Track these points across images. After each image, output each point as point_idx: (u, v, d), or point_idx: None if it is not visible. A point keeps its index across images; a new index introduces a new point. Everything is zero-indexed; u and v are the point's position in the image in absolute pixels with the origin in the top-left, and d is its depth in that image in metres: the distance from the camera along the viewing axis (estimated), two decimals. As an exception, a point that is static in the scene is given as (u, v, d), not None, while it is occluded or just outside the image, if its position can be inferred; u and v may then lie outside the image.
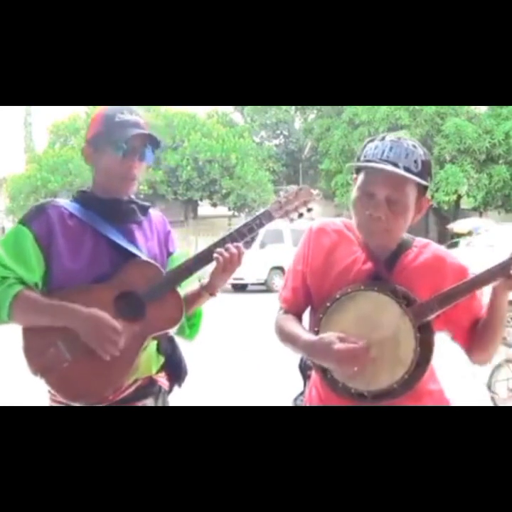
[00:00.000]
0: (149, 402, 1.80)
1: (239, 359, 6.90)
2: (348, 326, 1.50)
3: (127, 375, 1.72)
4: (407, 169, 1.48)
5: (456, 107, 18.77)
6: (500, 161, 18.89)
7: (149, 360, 1.80)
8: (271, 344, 1.73)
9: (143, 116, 1.81)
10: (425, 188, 1.55)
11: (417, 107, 18.58)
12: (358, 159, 1.56)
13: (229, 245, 1.75)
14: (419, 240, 1.65)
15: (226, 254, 1.73)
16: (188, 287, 1.84)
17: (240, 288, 16.05)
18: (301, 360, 1.73)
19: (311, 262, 1.64)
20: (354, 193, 1.56)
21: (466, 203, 21.90)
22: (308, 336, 1.56)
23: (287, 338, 1.62)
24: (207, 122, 23.46)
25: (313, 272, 1.64)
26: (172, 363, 1.87)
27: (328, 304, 1.54)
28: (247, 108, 26.24)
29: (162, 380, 1.86)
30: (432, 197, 18.81)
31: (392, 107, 18.58)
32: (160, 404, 1.83)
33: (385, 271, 1.58)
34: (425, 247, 1.62)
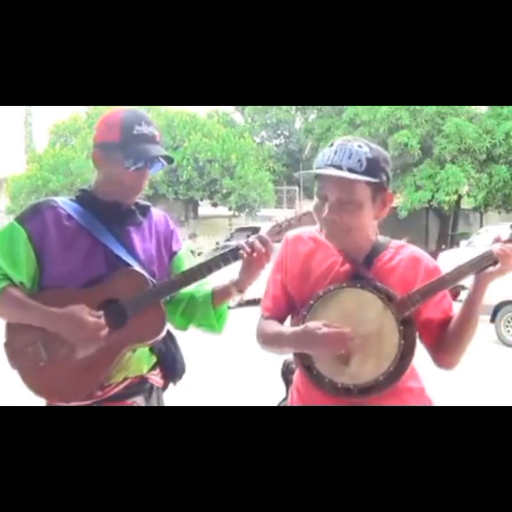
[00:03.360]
0: (139, 400, 1.81)
1: (230, 363, 6.90)
2: (333, 322, 1.54)
3: (99, 380, 1.73)
4: (350, 169, 1.52)
5: (457, 107, 18.73)
6: (501, 161, 18.85)
7: (140, 359, 1.80)
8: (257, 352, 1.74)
9: (156, 125, 1.80)
10: (381, 184, 1.57)
11: (417, 107, 18.55)
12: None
13: (254, 242, 1.76)
14: (396, 242, 1.69)
15: (248, 250, 1.74)
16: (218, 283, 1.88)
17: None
18: (284, 365, 1.76)
19: (290, 270, 1.68)
20: (314, 199, 1.61)
21: (466, 203, 21.89)
22: (292, 329, 1.61)
23: (271, 338, 1.65)
24: (207, 122, 23.42)
25: (293, 279, 1.67)
26: (166, 360, 1.87)
27: (311, 302, 1.58)
28: (248, 108, 26.21)
29: (155, 377, 1.86)
30: (433, 197, 18.79)
31: (393, 107, 18.54)
32: (153, 401, 1.85)
33: (363, 270, 1.62)
34: (401, 248, 1.67)
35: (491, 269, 1.55)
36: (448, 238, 21.21)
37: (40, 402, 1.77)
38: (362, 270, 1.62)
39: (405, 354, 1.54)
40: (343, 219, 1.55)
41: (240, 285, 1.82)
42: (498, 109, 18.68)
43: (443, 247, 19.50)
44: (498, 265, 1.54)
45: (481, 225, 21.17)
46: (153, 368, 1.85)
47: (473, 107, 18.91)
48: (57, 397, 1.72)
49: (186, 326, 1.92)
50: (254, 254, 1.73)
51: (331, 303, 1.57)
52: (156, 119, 20.15)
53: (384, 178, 1.58)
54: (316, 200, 1.60)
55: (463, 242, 14.75)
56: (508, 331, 8.17)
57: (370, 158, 1.54)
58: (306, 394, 1.62)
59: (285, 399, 1.76)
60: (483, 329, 8.48)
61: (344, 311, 1.55)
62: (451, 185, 18.48)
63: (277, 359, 1.74)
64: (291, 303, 1.68)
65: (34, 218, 1.74)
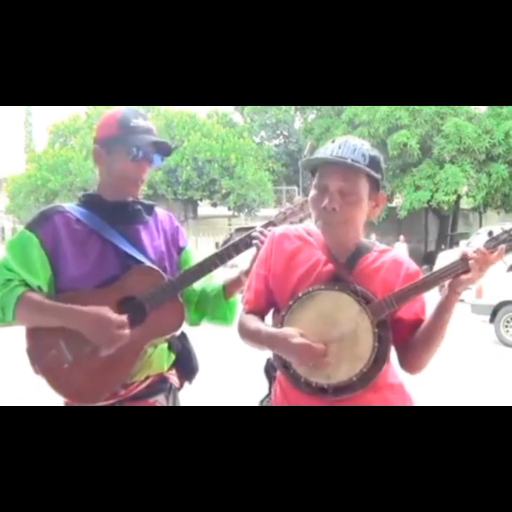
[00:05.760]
0: (161, 398, 1.84)
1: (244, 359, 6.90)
2: (310, 323, 1.56)
3: (124, 378, 1.75)
4: (354, 161, 1.56)
5: (456, 107, 18.75)
6: (500, 161, 18.86)
7: (161, 357, 1.84)
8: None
9: (151, 122, 1.86)
10: (378, 183, 1.62)
11: (417, 107, 18.57)
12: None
13: (264, 230, 1.82)
14: (379, 245, 1.72)
15: (263, 238, 1.79)
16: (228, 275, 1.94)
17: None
18: (267, 362, 1.77)
19: (274, 266, 1.70)
20: (311, 191, 1.64)
21: (465, 203, 21.90)
22: (270, 329, 1.63)
23: (250, 333, 1.67)
24: (207, 122, 23.46)
25: (276, 276, 1.69)
26: (182, 359, 1.90)
27: (290, 303, 1.60)
28: (247, 108, 26.23)
29: (173, 377, 1.89)
30: (432, 197, 18.80)
31: (392, 107, 18.57)
32: (171, 401, 1.87)
33: (345, 272, 1.63)
34: (384, 252, 1.70)
35: (462, 276, 1.54)
36: (447, 238, 21.24)
37: (57, 401, 1.78)
38: (343, 272, 1.63)
39: (380, 356, 1.56)
40: (342, 209, 1.57)
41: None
42: (497, 109, 18.71)
43: (442, 247, 19.53)
44: (470, 274, 1.53)
45: (481, 225, 21.18)
46: (171, 367, 1.88)
47: (473, 107, 18.93)
48: (84, 398, 1.73)
49: (199, 322, 1.97)
50: (264, 240, 1.78)
51: (309, 304, 1.59)
52: (156, 119, 20.15)
53: (381, 177, 1.63)
54: (313, 191, 1.62)
55: (462, 242, 14.77)
56: (508, 331, 8.18)
57: (372, 155, 1.59)
58: (288, 391, 1.64)
59: (268, 396, 1.77)
60: (483, 329, 8.49)
61: (321, 312, 1.57)
62: (451, 185, 18.51)
63: (261, 354, 1.75)
64: (272, 299, 1.70)
65: (44, 224, 1.76)
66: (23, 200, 21.55)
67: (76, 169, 20.80)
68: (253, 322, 1.68)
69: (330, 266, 1.64)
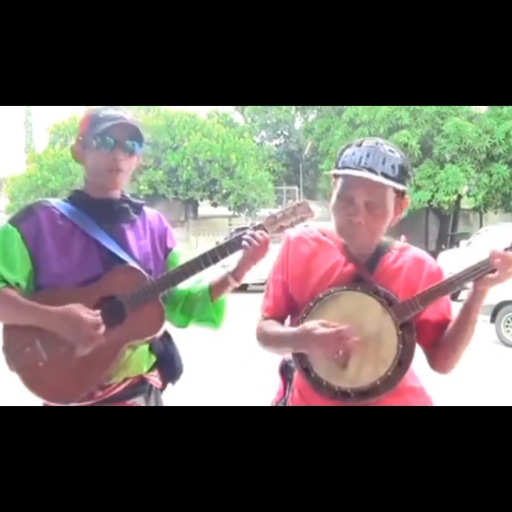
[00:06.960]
0: (139, 400, 1.80)
1: (237, 361, 6.90)
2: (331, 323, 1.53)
3: (101, 379, 1.72)
4: (384, 175, 1.51)
5: (457, 107, 18.74)
6: (501, 161, 18.85)
7: (140, 358, 1.80)
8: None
9: (129, 114, 1.79)
10: (404, 191, 1.58)
11: (417, 107, 18.56)
12: (336, 165, 1.58)
13: (255, 233, 1.77)
14: (398, 243, 1.69)
15: (254, 242, 1.75)
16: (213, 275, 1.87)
17: (241, 288, 16.01)
18: (282, 363, 1.75)
19: (292, 271, 1.67)
20: (334, 199, 1.59)
21: (466, 203, 21.88)
22: (290, 329, 1.60)
23: (271, 338, 1.65)
24: (207, 122, 23.46)
25: (295, 280, 1.66)
26: (164, 360, 1.86)
27: (311, 304, 1.58)
28: (248, 108, 26.24)
29: (154, 378, 1.85)
30: (432, 197, 18.79)
31: (393, 107, 18.55)
32: (152, 402, 1.84)
33: (366, 273, 1.61)
34: (404, 250, 1.67)
35: (489, 275, 1.54)
36: (448, 238, 21.22)
37: (38, 402, 1.77)
38: (364, 272, 1.61)
39: (404, 359, 1.53)
40: (368, 223, 1.54)
41: (237, 274, 1.82)
42: (497, 108, 18.70)
43: (443, 247, 19.51)
44: (497, 273, 1.53)
45: (481, 225, 21.16)
46: (152, 369, 1.85)
47: (473, 107, 18.91)
48: (59, 398, 1.71)
49: (186, 323, 1.92)
50: (255, 244, 1.74)
51: (330, 305, 1.56)
52: (156, 119, 20.17)
53: (407, 185, 1.59)
54: (337, 201, 1.58)
55: (462, 242, 14.74)
56: (508, 331, 8.17)
57: (401, 164, 1.55)
58: (307, 394, 1.61)
59: (283, 398, 1.74)
60: (483, 329, 8.49)
61: (343, 313, 1.54)
62: (451, 185, 18.49)
63: (271, 356, 1.73)
64: (292, 303, 1.68)
65: (28, 219, 1.74)
66: (23, 200, 21.53)
67: (76, 169, 20.76)
68: (271, 327, 1.66)
69: (350, 266, 1.62)
